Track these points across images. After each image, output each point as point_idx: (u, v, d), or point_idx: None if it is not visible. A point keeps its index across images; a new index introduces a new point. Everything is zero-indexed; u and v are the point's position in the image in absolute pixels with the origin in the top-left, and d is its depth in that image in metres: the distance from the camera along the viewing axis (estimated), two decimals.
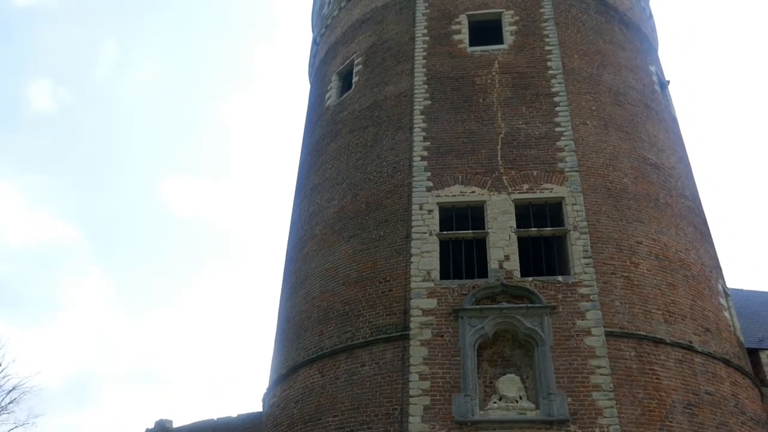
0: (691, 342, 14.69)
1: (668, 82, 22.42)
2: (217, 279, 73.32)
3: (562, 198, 15.85)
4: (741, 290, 22.79)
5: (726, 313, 16.55)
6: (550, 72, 18.27)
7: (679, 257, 16.18)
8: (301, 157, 22.71)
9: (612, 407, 12.85)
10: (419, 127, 17.58)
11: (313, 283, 17.24)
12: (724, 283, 17.68)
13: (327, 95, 22.00)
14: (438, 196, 16.24)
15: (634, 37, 21.74)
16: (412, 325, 14.26)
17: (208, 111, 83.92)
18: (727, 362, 15.12)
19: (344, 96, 21.03)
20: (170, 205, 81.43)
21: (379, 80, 19.83)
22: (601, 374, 13.22)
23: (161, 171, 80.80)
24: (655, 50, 23.62)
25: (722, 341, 15.58)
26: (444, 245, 15.63)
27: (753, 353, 18.93)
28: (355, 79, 20.90)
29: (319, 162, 20.27)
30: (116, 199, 76.72)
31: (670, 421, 13.32)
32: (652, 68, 21.37)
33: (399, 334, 14.41)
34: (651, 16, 25.17)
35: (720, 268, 18.02)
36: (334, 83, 22.01)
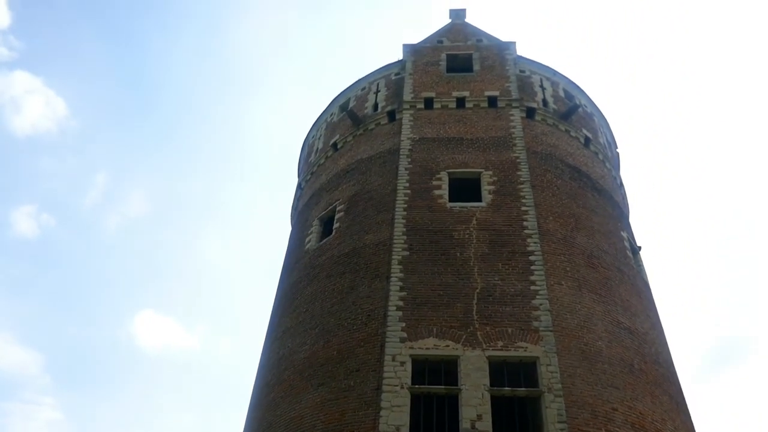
0: None
1: (640, 248, 23.10)
2: (174, 421, 69.58)
3: (537, 358, 15.66)
4: None
5: None
6: (525, 231, 18.78)
7: (655, 427, 15.75)
8: (275, 298, 22.52)
9: None
10: (396, 277, 17.68)
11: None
12: None
13: (307, 239, 22.27)
14: (412, 348, 15.97)
15: (607, 203, 22.70)
16: None
17: (188, 248, 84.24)
18: None
19: (324, 241, 21.30)
20: (138, 340, 79.18)
21: (359, 228, 20.21)
22: None
23: (133, 305, 79.45)
24: (627, 217, 24.58)
25: None
26: (415, 400, 15.13)
27: None
28: (336, 225, 21.29)
29: (294, 305, 20.07)
30: (82, 329, 74.60)
31: None
32: (624, 234, 22.10)
33: None
34: (622, 185, 26.47)
35: None
36: (315, 228, 22.37)
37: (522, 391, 15.15)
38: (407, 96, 24.20)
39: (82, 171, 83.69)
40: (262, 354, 20.70)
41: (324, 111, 28.67)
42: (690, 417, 18.08)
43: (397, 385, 15.21)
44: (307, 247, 21.94)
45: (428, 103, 23.92)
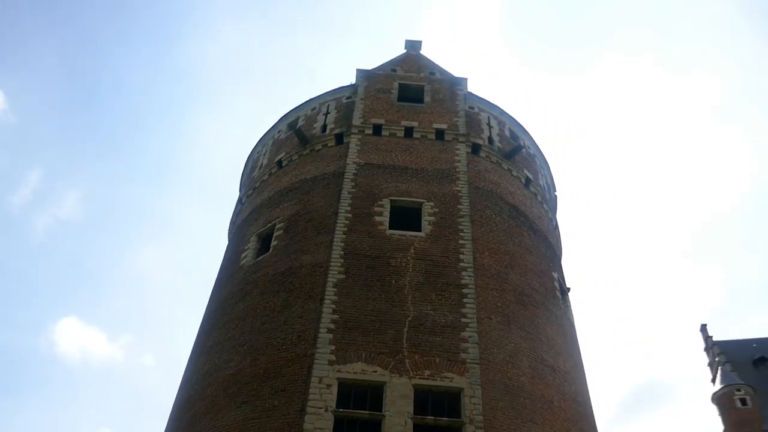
0: None
1: (569, 289, 23.84)
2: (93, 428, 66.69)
3: (462, 389, 15.88)
4: None
5: None
6: (461, 264, 19.13)
7: None
8: (206, 312, 22.13)
9: None
10: (330, 300, 17.68)
11: None
12: None
13: (243, 254, 22.04)
14: (339, 371, 15.96)
15: (541, 243, 23.38)
16: None
17: (120, 256, 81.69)
18: None
19: (260, 257, 21.13)
20: (58, 347, 75.99)
21: (297, 248, 20.16)
22: None
23: (57, 311, 76.36)
24: (559, 258, 25.35)
25: None
26: (338, 423, 15.08)
27: None
28: (274, 242, 21.17)
29: (224, 320, 19.77)
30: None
31: None
32: (555, 275, 22.78)
33: None
34: (557, 227, 27.33)
35: None
36: (253, 244, 22.18)
37: (445, 420, 15.31)
38: (356, 120, 24.45)
39: (15, 167, 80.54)
40: (186, 368, 20.24)
41: (272, 127, 28.61)
42: None
43: (321, 408, 15.14)
44: (242, 262, 21.71)
45: (377, 129, 24.21)
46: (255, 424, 15.47)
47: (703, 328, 51.17)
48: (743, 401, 39.17)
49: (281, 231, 21.39)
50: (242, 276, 21.01)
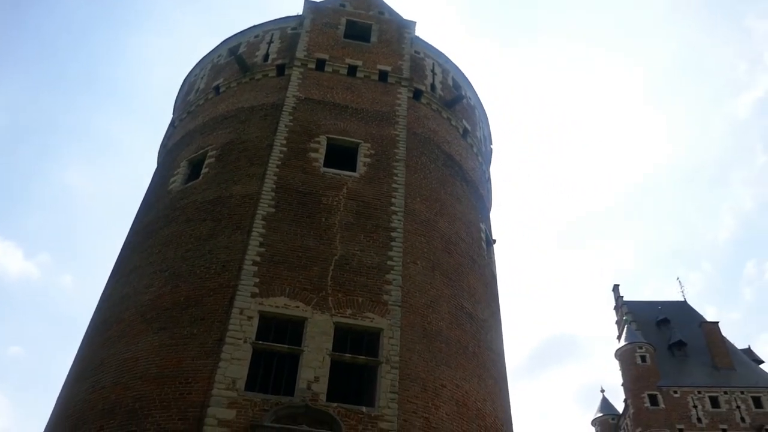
0: None
1: (494, 241, 24.44)
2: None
3: (381, 329, 16.19)
4: None
5: None
6: (392, 208, 19.24)
7: (476, 406, 16.90)
8: (128, 234, 21.55)
9: None
10: (258, 232, 17.51)
11: (107, 371, 15.81)
12: None
13: (172, 179, 21.42)
14: (261, 304, 15.96)
15: (472, 194, 23.74)
16: None
17: (44, 170, 78.02)
18: None
19: (190, 184, 20.61)
20: None
21: (228, 177, 19.74)
22: None
23: None
24: (488, 210, 25.87)
25: None
26: (256, 355, 15.17)
27: None
28: (204, 170, 20.64)
29: (147, 244, 19.32)
30: None
31: None
32: (483, 226, 23.26)
33: None
34: (489, 179, 27.77)
35: (511, 423, 19.00)
36: (183, 169, 21.57)
37: (362, 359, 15.64)
38: (300, 53, 23.78)
39: None
40: (104, 290, 19.78)
41: (212, 51, 27.50)
42: (509, 402, 19.57)
43: (240, 339, 15.16)
44: (170, 187, 21.12)
45: (320, 64, 23.66)
46: (171, 350, 15.37)
47: (615, 288, 53.82)
48: (643, 358, 41.76)
49: (213, 159, 20.86)
50: (169, 201, 20.48)
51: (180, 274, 17.24)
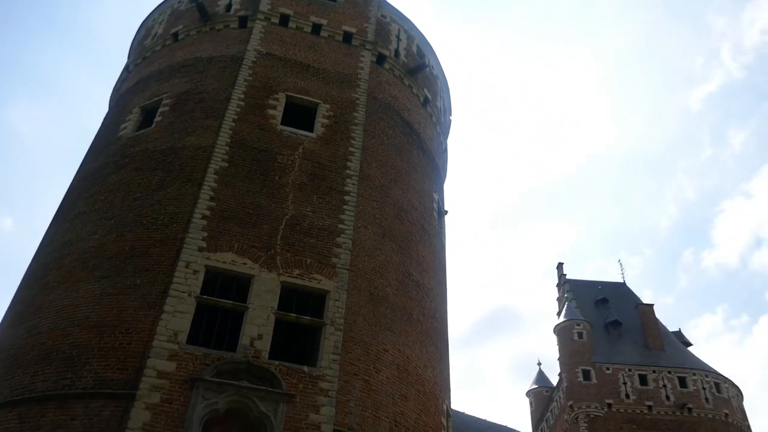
0: None
1: (446, 212, 24.69)
2: None
3: (328, 292, 16.25)
4: (460, 412, 24.78)
5: None
6: (347, 171, 19.16)
7: (417, 372, 17.24)
8: (74, 179, 20.92)
9: None
10: (209, 186, 17.23)
11: (45, 317, 15.48)
12: (449, 404, 19.08)
13: (123, 125, 20.81)
14: (208, 258, 15.79)
15: (428, 164, 23.84)
16: (142, 386, 13.27)
17: None
18: None
19: (142, 131, 20.06)
20: None
21: (182, 128, 19.29)
22: None
23: None
24: (442, 181, 26.04)
25: None
26: (200, 309, 15.06)
27: None
28: (158, 118, 20.10)
29: (93, 190, 18.80)
30: None
31: None
32: (436, 196, 23.44)
33: (125, 392, 13.31)
34: (446, 150, 27.90)
35: (449, 390, 19.49)
36: (135, 116, 20.96)
37: (306, 319, 15.70)
38: (264, 6, 23.18)
39: None
40: (45, 234, 19.23)
41: None
42: (449, 369, 20.03)
43: (185, 292, 15.01)
44: (121, 133, 20.52)
45: (284, 19, 23.13)
46: (113, 300, 15.13)
47: (559, 266, 55.25)
48: (580, 335, 43.21)
49: (167, 108, 20.31)
50: (119, 147, 19.92)
51: (126, 223, 16.88)
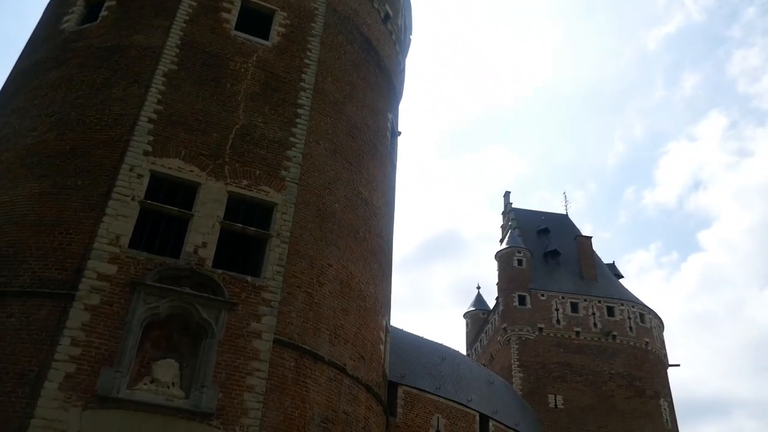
0: (345, 365, 15.99)
1: (399, 133, 24.61)
2: None
3: (276, 204, 16.20)
4: (399, 329, 25.60)
5: (382, 347, 18.39)
6: (301, 84, 18.75)
7: (359, 288, 17.61)
8: (12, 72, 19.83)
9: (258, 410, 13.31)
10: (157, 89, 16.62)
11: None
12: (389, 320, 19.67)
13: (66, 18, 19.64)
14: (154, 163, 15.43)
15: (384, 82, 23.50)
16: (81, 287, 13.19)
17: None
18: (368, 389, 16.75)
19: (86, 26, 19.01)
20: None
21: (130, 25, 18.36)
22: (258, 377, 13.64)
23: None
24: (398, 101, 25.80)
25: (371, 370, 17.25)
26: (144, 214, 14.84)
27: (393, 386, 21.31)
28: (104, 12, 19.05)
29: (33, 85, 17.91)
30: None
31: None
32: (390, 116, 23.27)
33: (64, 292, 13.22)
34: (404, 70, 27.50)
35: (389, 307, 20.04)
36: (79, 8, 19.78)
37: (252, 230, 15.69)
38: None
39: None
40: None
41: None
42: (390, 288, 20.52)
43: (128, 196, 14.73)
44: (63, 26, 19.39)
45: None
46: (52, 199, 14.75)
47: (506, 195, 56.25)
48: (520, 262, 44.58)
49: (114, 2, 19.21)
50: (61, 42, 18.88)
51: (68, 122, 16.25)
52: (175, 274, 14.10)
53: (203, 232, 14.95)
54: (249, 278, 14.77)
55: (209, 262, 14.56)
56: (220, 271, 14.56)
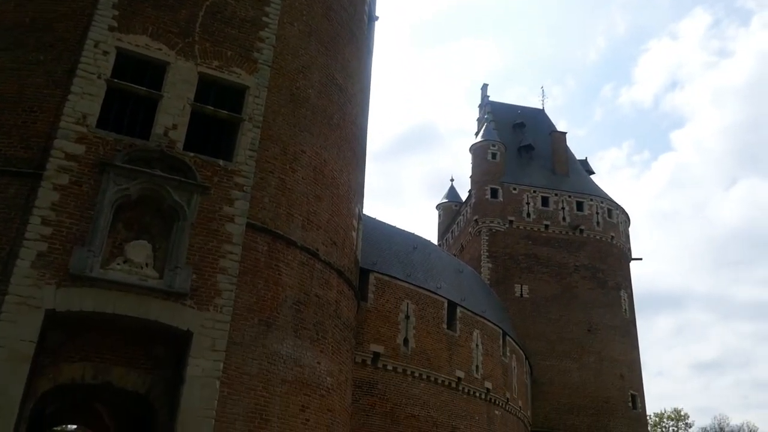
0: (317, 250, 16.24)
1: (377, 17, 23.73)
2: None
3: (248, 87, 15.74)
4: (372, 218, 25.93)
5: (354, 233, 18.64)
6: None
7: (332, 175, 17.58)
8: None
9: (231, 291, 13.57)
10: None
11: None
12: (361, 208, 19.83)
13: None
14: (120, 40, 14.73)
15: None
16: (49, 166, 12.92)
17: None
18: (340, 273, 17.14)
19: None
20: None
21: None
22: (231, 260, 13.80)
23: None
24: None
25: (342, 256, 17.57)
26: (111, 94, 14.33)
27: (365, 273, 21.83)
28: None
29: None
30: None
31: (278, 313, 14.68)
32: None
33: (32, 171, 12.98)
34: None
35: (362, 195, 20.15)
36: None
37: (224, 113, 15.33)
38: None
39: None
40: None
41: None
42: (364, 175, 20.55)
43: (94, 74, 14.15)
44: None
45: None
46: (14, 75, 14.13)
47: (484, 87, 55.50)
48: (494, 155, 44.75)
49: None
50: None
51: None
52: (146, 156, 13.86)
53: (173, 114, 14.58)
54: (221, 162, 14.60)
55: (180, 145, 14.31)
56: (191, 154, 14.33)
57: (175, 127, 14.43)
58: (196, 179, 13.97)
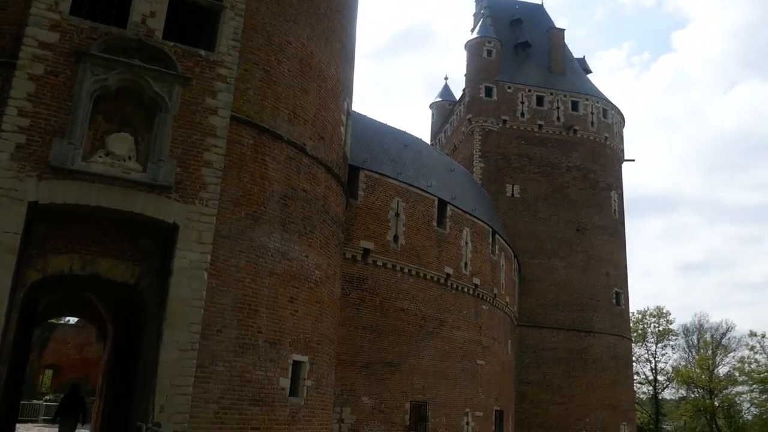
0: (304, 144, 16.02)
1: None
2: None
3: None
4: (363, 115, 25.51)
5: (342, 129, 18.35)
6: None
7: (320, 68, 17.07)
8: None
9: (216, 184, 13.47)
10: None
11: None
12: (350, 103, 19.43)
13: None
14: None
15: None
16: (22, 55, 12.43)
17: None
18: (328, 169, 17.01)
19: None
20: None
21: None
22: (216, 153, 13.60)
23: None
24: None
25: (331, 151, 17.37)
26: None
27: (355, 170, 21.72)
28: None
29: None
30: None
31: (265, 207, 14.67)
32: None
33: (4, 60, 12.51)
34: None
35: (351, 90, 19.68)
36: None
37: (204, 1, 14.65)
38: None
39: None
40: None
41: None
42: (353, 69, 19.99)
43: None
44: None
45: None
46: None
47: None
48: (489, 52, 43.56)
49: None
50: None
51: None
52: (123, 45, 13.33)
53: (151, 1, 13.91)
54: (203, 52, 14.09)
55: (159, 34, 13.74)
56: (171, 43, 13.80)
57: (153, 14, 13.81)
58: (176, 70, 13.52)
